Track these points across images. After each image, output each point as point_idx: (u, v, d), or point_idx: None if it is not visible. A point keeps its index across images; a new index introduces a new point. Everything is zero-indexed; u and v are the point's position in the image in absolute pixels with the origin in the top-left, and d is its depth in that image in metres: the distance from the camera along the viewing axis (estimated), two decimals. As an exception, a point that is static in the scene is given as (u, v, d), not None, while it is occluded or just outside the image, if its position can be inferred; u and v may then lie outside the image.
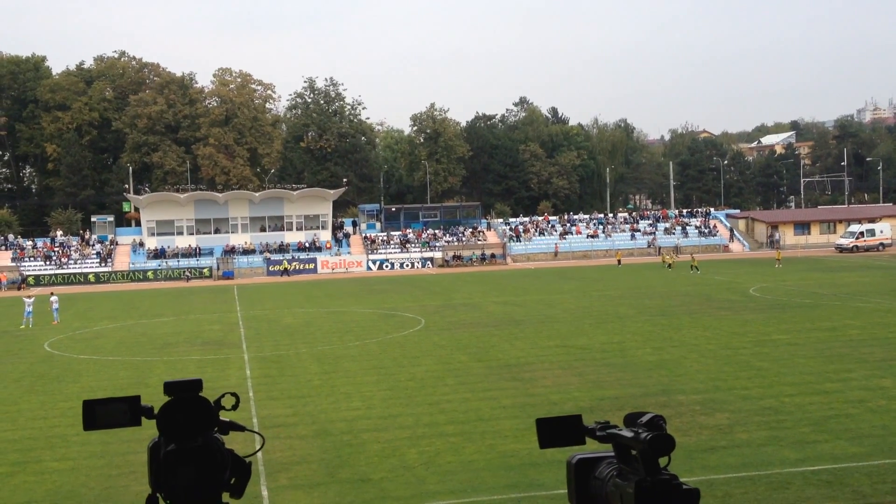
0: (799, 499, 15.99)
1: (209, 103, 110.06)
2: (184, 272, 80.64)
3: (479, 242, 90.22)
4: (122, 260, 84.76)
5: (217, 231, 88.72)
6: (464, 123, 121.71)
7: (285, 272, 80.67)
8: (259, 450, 3.36)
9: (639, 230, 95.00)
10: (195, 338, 40.25)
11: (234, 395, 2.99)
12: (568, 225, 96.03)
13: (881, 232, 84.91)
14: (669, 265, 66.53)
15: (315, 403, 25.12)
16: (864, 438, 19.41)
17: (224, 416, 2.98)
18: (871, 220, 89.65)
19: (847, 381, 25.31)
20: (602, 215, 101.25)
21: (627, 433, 2.60)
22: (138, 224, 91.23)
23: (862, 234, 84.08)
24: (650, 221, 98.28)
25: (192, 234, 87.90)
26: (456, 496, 16.86)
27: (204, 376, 23.67)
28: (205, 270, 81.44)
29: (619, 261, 79.41)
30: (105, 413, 2.91)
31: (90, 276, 79.53)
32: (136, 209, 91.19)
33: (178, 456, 2.83)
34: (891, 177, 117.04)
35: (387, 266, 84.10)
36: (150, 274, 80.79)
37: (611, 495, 2.62)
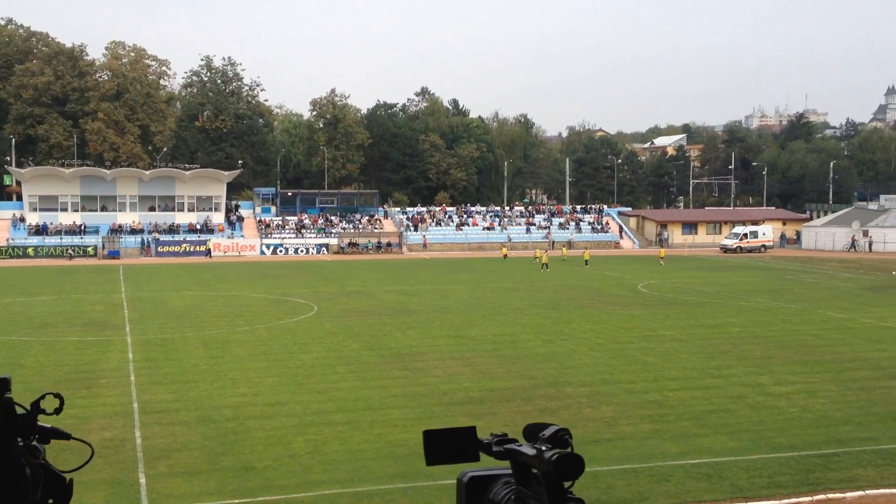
0: (679, 491, 16.33)
1: (100, 77, 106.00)
2: (66, 250, 77.67)
3: (376, 231, 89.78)
4: (1, 235, 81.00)
5: (104, 209, 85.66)
6: (364, 111, 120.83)
7: (208, 253, 78.83)
8: (85, 463, 2.67)
9: (534, 224, 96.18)
10: (75, 318, 38.75)
11: (57, 395, 2.52)
12: (465, 216, 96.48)
13: (763, 234, 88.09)
14: (545, 265, 64.78)
15: (200, 389, 24.45)
16: (742, 433, 20.00)
17: (45, 422, 2.54)
18: (755, 223, 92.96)
19: (728, 377, 26.08)
20: (499, 208, 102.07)
21: (529, 450, 2.32)
22: (20, 198, 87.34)
23: (745, 235, 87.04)
24: (545, 216, 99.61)
25: (77, 210, 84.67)
26: (342, 485, 16.61)
27: (84, 358, 22.69)
28: (89, 249, 78.59)
29: (505, 255, 77.72)
30: None
31: (-35, 251, 75.74)
32: (18, 183, 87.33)
33: None
34: (774, 182, 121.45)
35: (281, 251, 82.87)
36: (30, 251, 77.49)
37: None
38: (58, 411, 2.53)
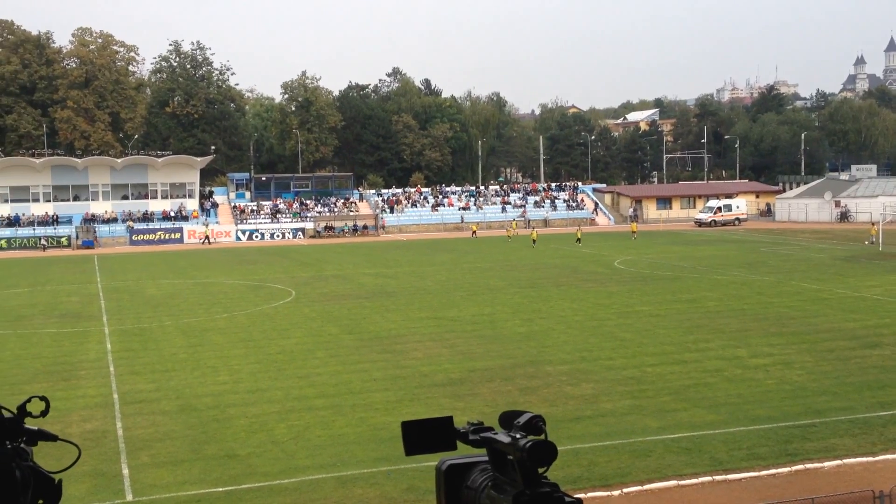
0: (660, 466, 16.52)
1: (68, 64, 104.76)
2: (40, 241, 76.95)
3: (351, 213, 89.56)
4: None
5: (76, 198, 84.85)
6: (336, 93, 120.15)
7: (207, 240, 78.40)
8: (73, 464, 2.68)
9: (509, 203, 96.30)
10: (52, 310, 38.46)
11: (42, 398, 2.54)
12: (440, 197, 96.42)
13: (737, 207, 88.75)
14: (534, 241, 67.33)
15: (180, 378, 24.39)
16: (720, 407, 20.22)
17: (31, 424, 2.55)
18: (728, 196, 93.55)
19: (705, 350, 26.33)
20: (474, 188, 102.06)
21: (504, 438, 2.39)
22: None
23: (719, 209, 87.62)
24: (521, 194, 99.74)
25: (50, 200, 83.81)
26: (325, 470, 16.68)
27: (61, 350, 22.56)
28: (63, 239, 77.89)
29: (474, 232, 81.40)
30: None
31: (-64, 244, 74.83)
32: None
33: None
34: (747, 154, 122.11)
35: (256, 237, 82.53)
36: (3, 243, 76.70)
37: None
38: (44, 414, 2.56)
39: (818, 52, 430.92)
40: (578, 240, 68.02)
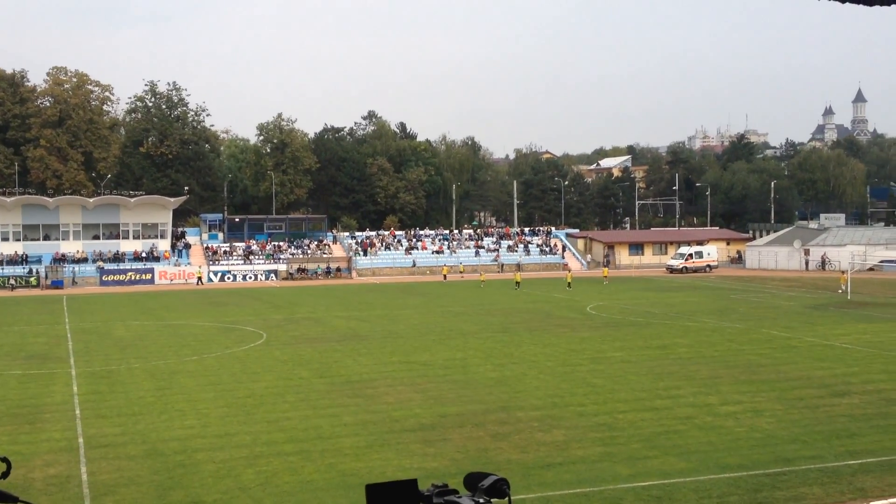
0: (630, 514, 16.44)
1: (41, 103, 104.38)
2: (8, 280, 76.00)
3: (325, 256, 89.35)
4: (-61, 266, 78.98)
5: (46, 238, 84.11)
6: (311, 135, 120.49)
7: (199, 281, 78.73)
8: None
9: (483, 247, 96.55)
10: (18, 351, 37.89)
11: (4, 460, 2.53)
12: (414, 240, 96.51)
13: (708, 254, 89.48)
14: (518, 283, 68.53)
15: (147, 421, 24.05)
16: (691, 454, 20.22)
17: None
18: (700, 243, 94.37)
19: (676, 398, 26.38)
20: (447, 231, 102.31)
21: (467, 502, 2.41)
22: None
23: (691, 255, 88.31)
24: (494, 238, 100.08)
25: (19, 240, 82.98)
26: (293, 518, 16.44)
27: (27, 392, 22.21)
28: (32, 279, 77.02)
29: (444, 276, 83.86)
30: None
31: None
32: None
33: None
34: (717, 202, 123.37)
35: (229, 278, 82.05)
36: (-31, 281, 75.68)
37: None
38: (5, 475, 2.52)
39: (788, 102, 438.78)
40: (569, 284, 68.61)
